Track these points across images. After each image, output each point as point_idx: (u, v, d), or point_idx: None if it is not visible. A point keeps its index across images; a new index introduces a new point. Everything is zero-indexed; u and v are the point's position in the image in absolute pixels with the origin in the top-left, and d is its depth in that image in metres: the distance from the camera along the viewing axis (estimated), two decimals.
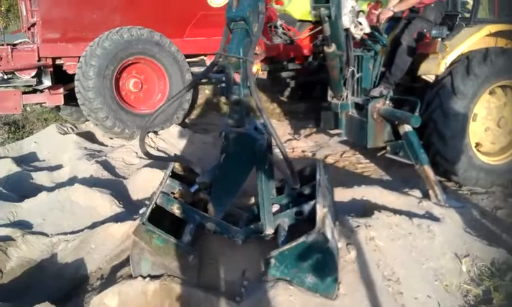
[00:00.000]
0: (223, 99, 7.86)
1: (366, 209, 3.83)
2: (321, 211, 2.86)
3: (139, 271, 2.91)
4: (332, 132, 5.80)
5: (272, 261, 2.75)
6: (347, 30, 4.57)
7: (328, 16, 3.63)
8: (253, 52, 2.85)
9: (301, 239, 2.69)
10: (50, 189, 4.52)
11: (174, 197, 3.31)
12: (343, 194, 4.20)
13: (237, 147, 2.91)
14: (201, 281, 2.97)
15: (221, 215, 3.14)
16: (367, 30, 4.85)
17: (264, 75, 7.36)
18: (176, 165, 3.74)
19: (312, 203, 3.07)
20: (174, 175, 3.60)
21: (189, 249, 2.95)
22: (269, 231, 3.10)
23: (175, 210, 3.21)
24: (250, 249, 3.15)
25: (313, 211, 2.97)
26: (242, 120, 2.90)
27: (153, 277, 2.85)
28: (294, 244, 2.71)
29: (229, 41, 2.88)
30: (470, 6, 5.39)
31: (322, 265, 2.68)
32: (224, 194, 3.13)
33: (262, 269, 2.94)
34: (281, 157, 2.89)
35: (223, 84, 2.88)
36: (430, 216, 3.80)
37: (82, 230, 3.79)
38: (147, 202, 4.32)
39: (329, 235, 2.68)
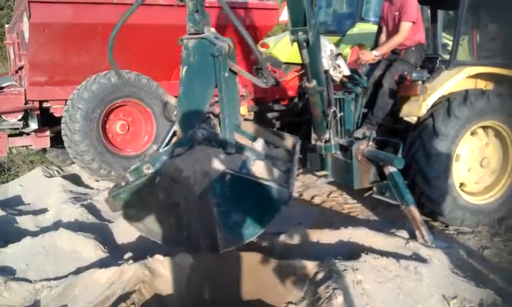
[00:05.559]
0: None
1: (353, 251, 3.82)
2: (293, 178, 2.88)
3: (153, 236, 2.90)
4: (319, 173, 5.83)
5: (228, 177, 2.65)
6: (326, 72, 4.65)
7: (305, 41, 3.69)
8: None
9: (269, 183, 2.64)
10: (35, 234, 4.44)
11: None
12: (330, 236, 4.19)
13: (197, 55, 2.80)
14: None
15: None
16: (346, 72, 4.95)
17: (250, 115, 7.44)
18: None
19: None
20: None
21: (150, 174, 2.79)
22: (230, 150, 2.92)
23: (146, 170, 2.93)
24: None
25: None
26: (201, 27, 2.81)
27: None
28: (261, 181, 2.65)
29: None
30: (450, 48, 5.53)
31: (261, 215, 2.65)
32: (190, 112, 2.92)
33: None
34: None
35: None
36: (417, 257, 3.80)
37: (66, 276, 3.72)
38: (131, 247, 4.30)
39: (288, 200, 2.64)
